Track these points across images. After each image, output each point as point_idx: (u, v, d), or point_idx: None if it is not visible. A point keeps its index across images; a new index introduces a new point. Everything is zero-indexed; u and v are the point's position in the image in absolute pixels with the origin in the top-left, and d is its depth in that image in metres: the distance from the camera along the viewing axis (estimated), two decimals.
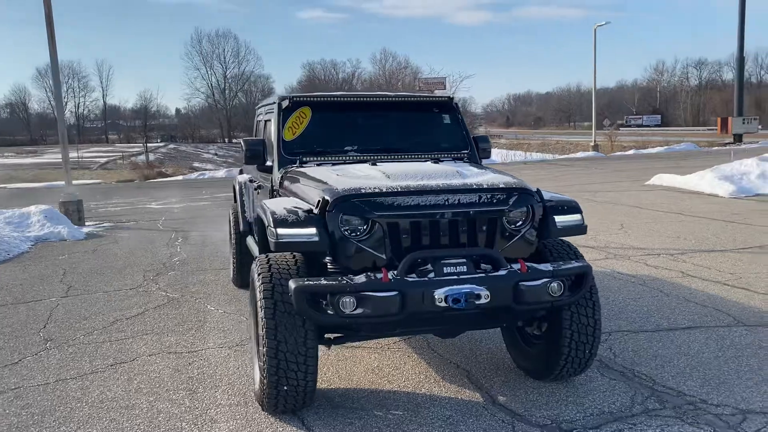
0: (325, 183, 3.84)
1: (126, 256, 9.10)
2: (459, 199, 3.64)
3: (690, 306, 5.83)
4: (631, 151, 33.46)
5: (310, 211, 3.63)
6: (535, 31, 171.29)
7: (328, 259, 3.87)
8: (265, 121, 5.46)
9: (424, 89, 65.70)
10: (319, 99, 5.00)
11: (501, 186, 3.78)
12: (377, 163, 4.39)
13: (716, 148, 34.99)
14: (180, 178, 26.64)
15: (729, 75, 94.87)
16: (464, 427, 3.60)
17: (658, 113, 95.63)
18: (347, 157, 4.74)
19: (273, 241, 3.55)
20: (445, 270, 3.47)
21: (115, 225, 12.48)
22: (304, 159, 4.64)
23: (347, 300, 3.35)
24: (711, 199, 13.63)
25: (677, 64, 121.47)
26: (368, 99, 5.16)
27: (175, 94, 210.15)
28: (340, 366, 4.56)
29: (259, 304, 3.54)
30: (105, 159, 45.49)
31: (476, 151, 5.09)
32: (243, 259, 6.62)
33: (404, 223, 3.59)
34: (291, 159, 4.67)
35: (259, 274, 3.64)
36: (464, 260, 3.52)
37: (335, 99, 5.06)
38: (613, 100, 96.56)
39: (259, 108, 6.15)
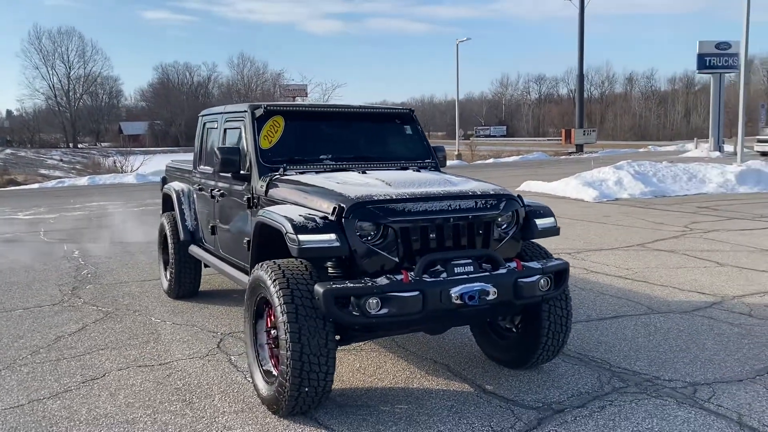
0: (332, 191, 3.99)
1: (24, 270, 8.45)
2: (460, 205, 3.96)
3: (607, 299, 6.56)
4: (490, 160, 35.65)
5: (325, 218, 3.77)
6: (387, 42, 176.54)
7: (329, 263, 4.03)
8: (226, 129, 5.44)
9: (285, 95, 65.40)
10: (291, 108, 5.10)
11: (491, 192, 4.16)
12: (367, 172, 4.60)
13: (564, 157, 38.27)
14: (36, 186, 24.56)
15: (564, 90, 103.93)
16: (469, 414, 3.91)
17: (504, 124, 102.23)
18: (324, 166, 4.89)
19: (295, 247, 3.65)
20: (456, 270, 3.77)
21: None
22: (288, 167, 4.72)
23: (373, 301, 3.54)
24: (579, 204, 15.07)
25: (520, 79, 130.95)
26: (337, 109, 5.33)
27: (11, 94, 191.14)
28: None
29: (279, 309, 3.62)
30: None
31: (437, 160, 5.44)
32: (183, 269, 6.49)
33: (414, 228, 3.84)
34: (272, 167, 4.74)
35: (274, 280, 3.71)
36: (471, 261, 3.85)
37: (307, 109, 5.19)
38: (463, 112, 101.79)
39: (208, 115, 6.07)
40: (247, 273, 4.97)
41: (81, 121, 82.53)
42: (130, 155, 34.64)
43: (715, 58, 35.45)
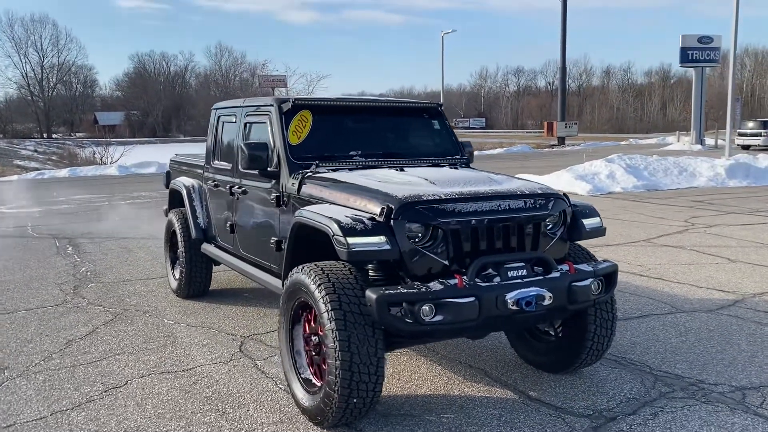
0: (377, 190, 3.79)
1: (19, 268, 8.11)
2: (509, 205, 3.79)
3: (628, 297, 6.46)
4: (475, 153, 35.57)
5: (373, 219, 3.57)
6: (364, 34, 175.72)
7: (370, 266, 3.84)
8: (246, 123, 5.20)
9: (264, 86, 64.62)
10: (319, 102, 4.88)
11: (539, 192, 3.99)
12: (404, 169, 4.40)
13: (547, 149, 38.35)
14: (15, 178, 23.88)
15: (542, 82, 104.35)
16: (520, 423, 3.76)
17: (483, 116, 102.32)
18: (355, 162, 4.68)
19: (344, 250, 3.45)
20: (510, 274, 3.60)
21: None
22: (320, 164, 4.50)
23: (426, 307, 3.36)
24: (573, 198, 14.91)
25: (498, 71, 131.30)
26: (365, 104, 5.12)
27: None
28: None
29: (326, 315, 3.42)
30: None
31: (466, 156, 5.26)
32: (194, 268, 6.24)
33: (465, 229, 3.65)
34: (302, 164, 4.51)
35: (319, 285, 3.51)
36: (523, 264, 3.68)
37: (334, 103, 4.97)
38: (443, 103, 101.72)
39: (223, 108, 5.81)
40: (272, 273, 4.77)
41: (55, 110, 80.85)
42: (109, 146, 33.82)
43: (697, 52, 35.72)
